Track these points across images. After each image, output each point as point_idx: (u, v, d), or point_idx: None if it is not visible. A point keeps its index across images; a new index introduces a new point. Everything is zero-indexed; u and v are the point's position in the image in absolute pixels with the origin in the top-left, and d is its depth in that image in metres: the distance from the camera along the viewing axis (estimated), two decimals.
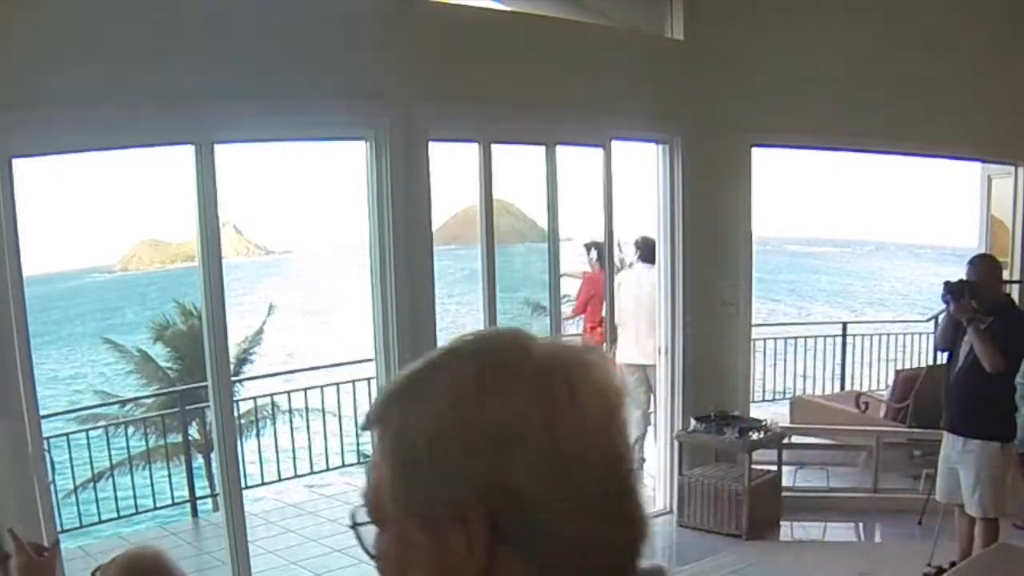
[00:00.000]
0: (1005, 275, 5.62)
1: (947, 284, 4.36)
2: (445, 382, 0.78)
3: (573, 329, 7.91)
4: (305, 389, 7.68)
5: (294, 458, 7.35)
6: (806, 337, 9.79)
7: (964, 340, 4.37)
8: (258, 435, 9.05)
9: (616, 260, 7.29)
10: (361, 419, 0.86)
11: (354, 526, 0.82)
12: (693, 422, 5.78)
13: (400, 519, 0.77)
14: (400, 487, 0.77)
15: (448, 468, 0.75)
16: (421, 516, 0.76)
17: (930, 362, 6.95)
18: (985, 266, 4.49)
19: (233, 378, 6.90)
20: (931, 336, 4.72)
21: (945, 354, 4.68)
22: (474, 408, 0.75)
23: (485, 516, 0.73)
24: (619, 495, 0.78)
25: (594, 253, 7.16)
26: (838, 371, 9.44)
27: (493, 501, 0.73)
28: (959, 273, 4.47)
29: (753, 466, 5.52)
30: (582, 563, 0.75)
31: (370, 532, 0.81)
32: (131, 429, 8.55)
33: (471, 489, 0.74)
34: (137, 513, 6.94)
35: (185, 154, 4.06)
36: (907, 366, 8.44)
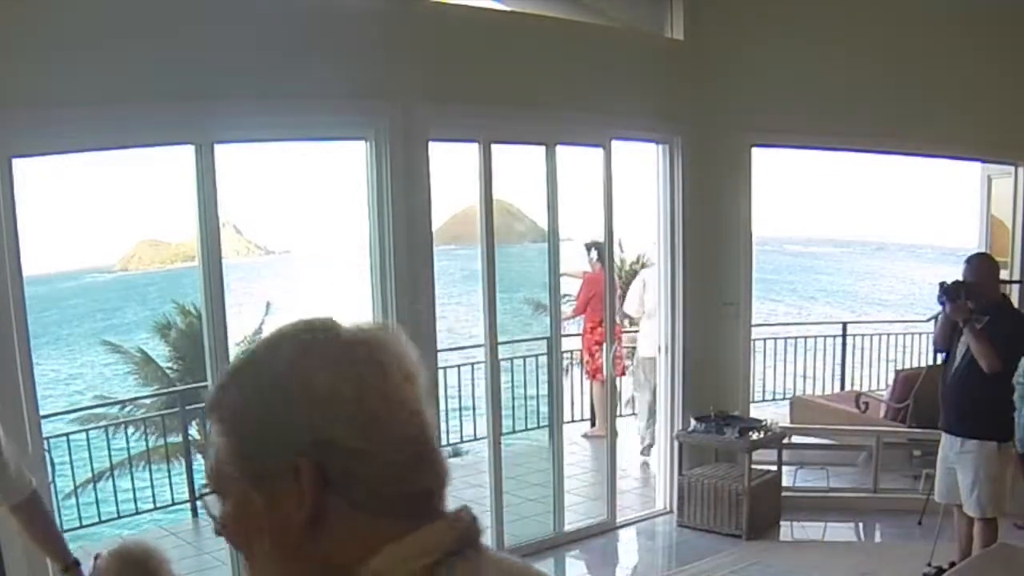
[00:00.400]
0: (1005, 275, 5.62)
1: (943, 285, 4.35)
2: (269, 360, 0.90)
3: (574, 329, 7.93)
4: None
5: None
6: (806, 337, 9.79)
7: (961, 340, 4.36)
8: None
9: (617, 260, 7.36)
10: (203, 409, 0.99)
11: (201, 497, 0.93)
12: (693, 422, 5.78)
13: (239, 484, 0.88)
14: (237, 452, 0.88)
15: (277, 428, 0.86)
16: (257, 476, 0.87)
17: (930, 362, 6.94)
18: (982, 265, 4.49)
19: None
20: (931, 336, 4.71)
21: (943, 355, 4.68)
22: (297, 378, 0.87)
23: (313, 467, 0.85)
24: (423, 446, 0.91)
25: (594, 253, 7.20)
26: (838, 371, 9.44)
27: (318, 454, 0.85)
28: (958, 273, 4.46)
29: (753, 466, 5.52)
30: (397, 502, 0.88)
31: (216, 503, 0.91)
32: (131, 429, 8.55)
33: (298, 445, 0.85)
34: (137, 513, 6.93)
35: (185, 154, 4.06)
36: (907, 366, 8.44)
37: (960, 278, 4.39)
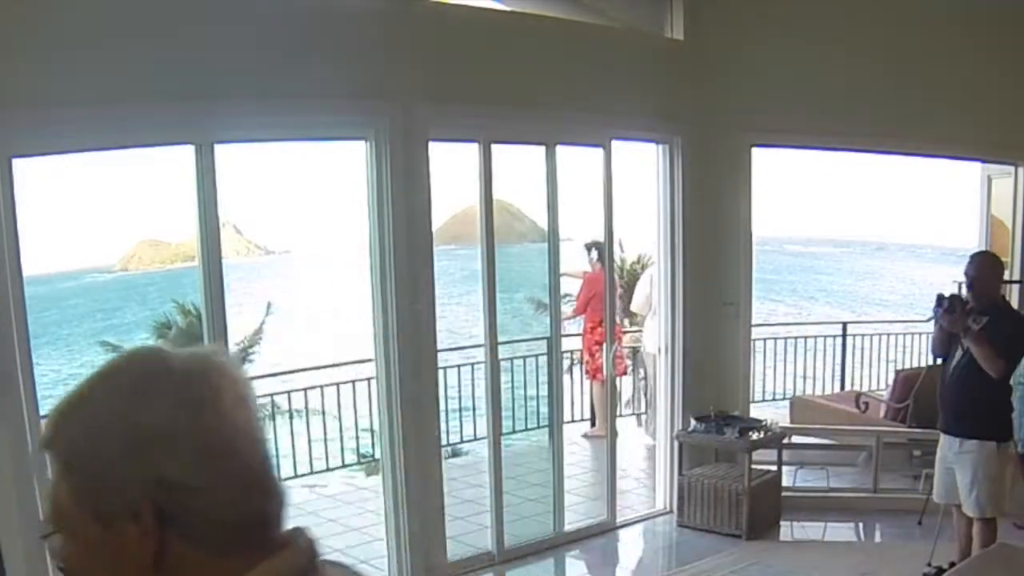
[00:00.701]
0: (1005, 275, 5.61)
1: (939, 298, 4.34)
2: (102, 397, 0.88)
3: (574, 329, 7.94)
4: (305, 389, 7.67)
5: (294, 458, 7.34)
6: (806, 337, 9.79)
7: (960, 342, 4.35)
8: None
9: (617, 260, 7.41)
10: (37, 443, 0.98)
11: (44, 538, 0.92)
12: (693, 422, 5.78)
13: (82, 523, 0.87)
14: (75, 492, 0.87)
15: (116, 470, 0.85)
16: (99, 516, 0.86)
17: (930, 362, 6.94)
18: (985, 263, 4.48)
19: None
20: (930, 336, 4.70)
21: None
22: (130, 415, 0.86)
23: (152, 508, 0.84)
24: (263, 474, 0.91)
25: (595, 253, 7.24)
26: (838, 371, 9.44)
27: (158, 494, 0.84)
28: (958, 273, 4.46)
29: (753, 466, 5.52)
30: (239, 535, 0.88)
31: (59, 542, 0.90)
32: None
33: (138, 485, 0.84)
34: None
35: (185, 154, 4.06)
36: (907, 366, 8.43)
37: (963, 278, 4.38)
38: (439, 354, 5.05)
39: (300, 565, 0.91)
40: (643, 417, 7.95)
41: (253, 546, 0.89)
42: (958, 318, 4.25)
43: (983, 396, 4.26)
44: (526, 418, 8.02)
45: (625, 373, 7.74)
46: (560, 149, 5.25)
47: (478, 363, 5.25)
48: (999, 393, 4.28)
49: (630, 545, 5.71)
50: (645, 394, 7.84)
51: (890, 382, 7.10)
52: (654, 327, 6.91)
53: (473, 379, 7.60)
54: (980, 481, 4.28)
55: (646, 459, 7.06)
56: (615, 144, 5.50)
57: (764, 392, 9.25)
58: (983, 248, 6.33)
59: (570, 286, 7.69)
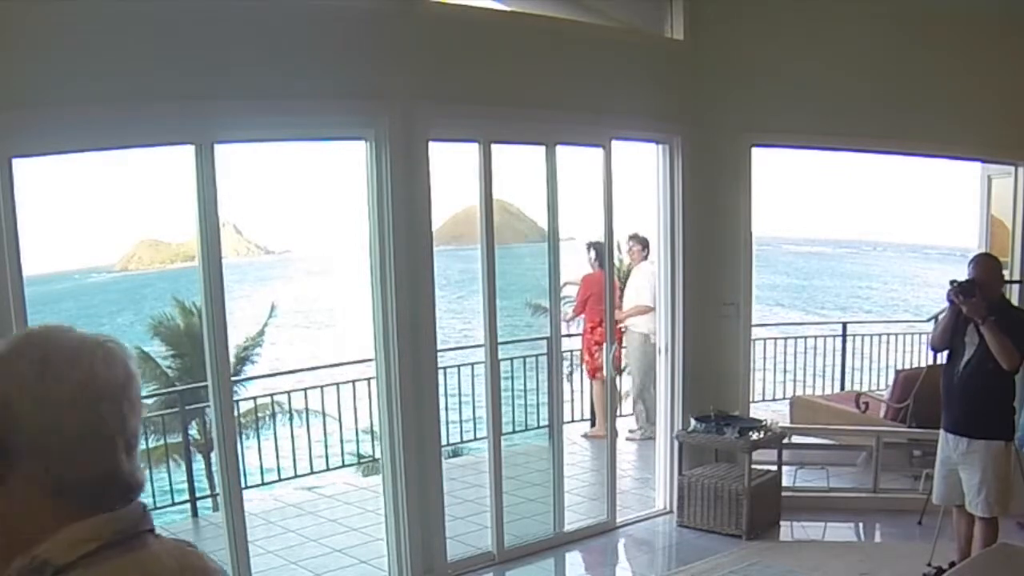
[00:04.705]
0: (1005, 275, 5.62)
1: (957, 283, 4.24)
2: None
3: (574, 329, 7.95)
4: (305, 389, 7.67)
5: (294, 458, 7.34)
6: (806, 337, 9.79)
7: (966, 340, 4.33)
8: (258, 435, 9.05)
9: (616, 260, 7.50)
10: None
11: None
12: (693, 422, 5.78)
13: None
14: None
15: None
16: None
17: (930, 362, 6.94)
18: (988, 264, 4.46)
19: (234, 378, 6.89)
20: (933, 330, 4.65)
21: (940, 354, 4.64)
22: None
23: None
24: (99, 437, 1.02)
25: (592, 253, 7.29)
26: (838, 371, 9.44)
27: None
28: (959, 273, 4.44)
29: (753, 466, 5.52)
30: (73, 489, 1.00)
31: None
32: None
33: None
34: None
35: (185, 154, 4.06)
36: (907, 366, 8.44)
37: (971, 277, 4.33)
38: (439, 354, 5.05)
39: (116, 530, 1.01)
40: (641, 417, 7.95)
41: (83, 501, 1.00)
42: (978, 303, 4.16)
43: (993, 396, 4.25)
44: (526, 418, 8.02)
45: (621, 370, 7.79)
46: (560, 149, 5.25)
47: (478, 363, 5.25)
48: (1007, 392, 4.28)
49: (630, 545, 5.71)
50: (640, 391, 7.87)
51: (890, 382, 7.10)
52: (645, 315, 7.22)
53: (473, 379, 7.60)
54: (990, 481, 4.26)
55: (638, 453, 7.09)
56: (615, 144, 5.49)
57: (764, 392, 9.26)
58: (983, 248, 6.33)
59: (572, 289, 7.73)
